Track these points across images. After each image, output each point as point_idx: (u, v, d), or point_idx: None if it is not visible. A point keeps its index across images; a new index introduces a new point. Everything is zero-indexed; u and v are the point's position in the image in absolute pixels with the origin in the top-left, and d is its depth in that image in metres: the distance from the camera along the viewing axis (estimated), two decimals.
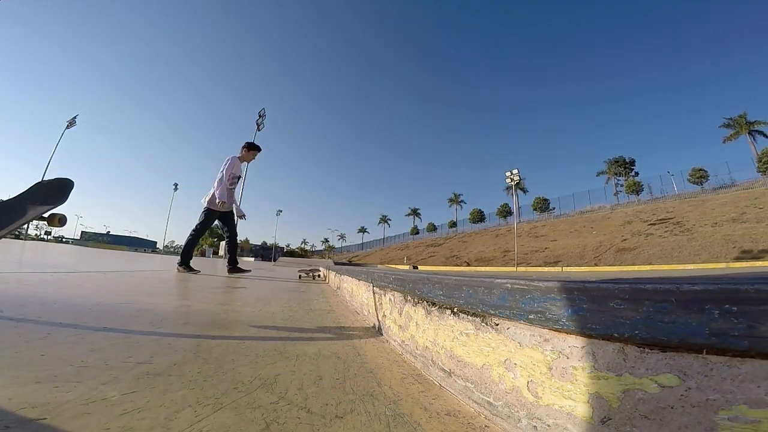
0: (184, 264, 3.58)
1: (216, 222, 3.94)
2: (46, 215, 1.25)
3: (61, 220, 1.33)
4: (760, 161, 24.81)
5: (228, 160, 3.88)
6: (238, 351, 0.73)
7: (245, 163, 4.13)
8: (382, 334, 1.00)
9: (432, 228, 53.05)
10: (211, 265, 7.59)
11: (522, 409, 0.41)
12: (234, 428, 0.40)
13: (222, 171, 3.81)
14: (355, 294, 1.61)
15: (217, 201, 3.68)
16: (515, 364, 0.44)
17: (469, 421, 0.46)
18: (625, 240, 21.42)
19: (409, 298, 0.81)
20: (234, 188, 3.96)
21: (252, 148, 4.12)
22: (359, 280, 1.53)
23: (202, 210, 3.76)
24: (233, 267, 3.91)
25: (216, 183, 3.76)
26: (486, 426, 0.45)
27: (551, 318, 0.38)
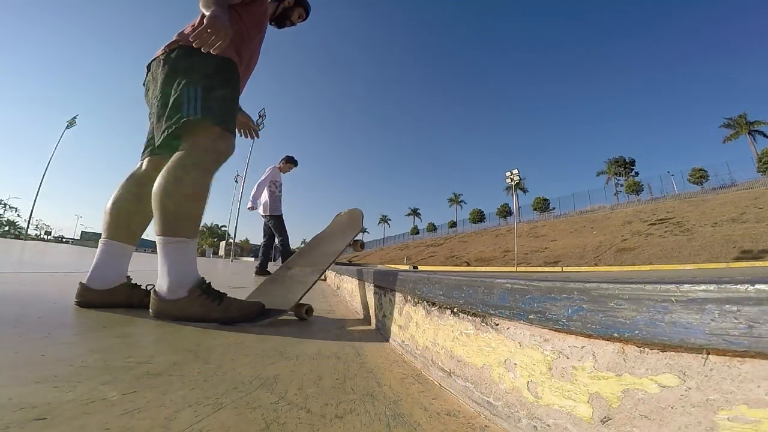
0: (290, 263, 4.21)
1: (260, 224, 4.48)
2: (351, 242, 1.47)
3: (362, 245, 1.53)
4: (760, 161, 24.81)
5: (269, 169, 4.33)
6: (238, 351, 0.73)
7: (282, 173, 4.57)
8: (381, 334, 1.00)
9: (432, 228, 53.05)
10: (212, 265, 7.59)
11: (522, 409, 0.41)
12: (234, 428, 0.40)
13: (260, 180, 4.26)
14: (355, 294, 1.61)
15: (248, 205, 4.19)
16: (515, 364, 0.44)
17: (469, 421, 0.46)
18: (625, 240, 21.41)
19: (409, 298, 0.81)
20: (280, 194, 4.39)
21: (290, 161, 4.57)
22: (359, 280, 1.53)
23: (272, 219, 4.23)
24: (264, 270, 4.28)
25: (256, 190, 4.22)
26: (486, 426, 0.45)
27: (551, 318, 0.38)
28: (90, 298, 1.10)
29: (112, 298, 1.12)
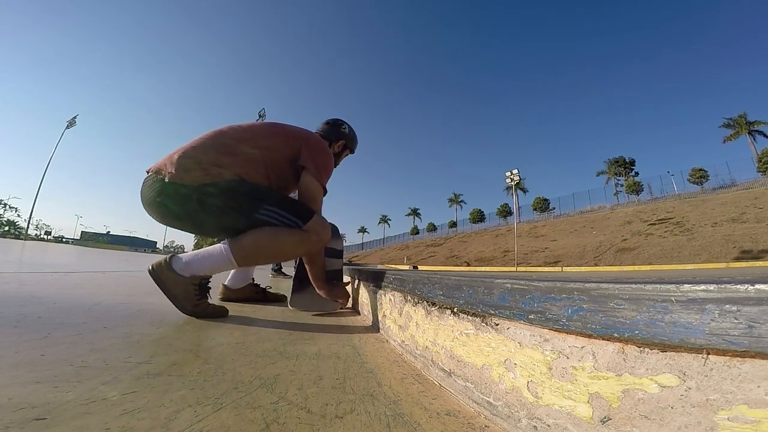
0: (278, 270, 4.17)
1: None
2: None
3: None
4: (760, 161, 24.82)
5: None
6: (238, 351, 0.73)
7: None
8: (381, 334, 1.00)
9: (432, 228, 53.02)
10: None
11: (522, 409, 0.41)
12: (234, 428, 0.40)
13: None
14: (355, 294, 1.61)
15: None
16: (515, 364, 0.44)
17: (469, 421, 0.46)
18: (625, 240, 21.41)
19: (409, 298, 0.81)
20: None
21: None
22: (359, 280, 1.53)
23: None
24: (278, 271, 4.34)
25: None
26: (486, 426, 0.45)
27: (551, 318, 0.38)
28: (228, 295, 1.59)
29: (242, 294, 1.60)
